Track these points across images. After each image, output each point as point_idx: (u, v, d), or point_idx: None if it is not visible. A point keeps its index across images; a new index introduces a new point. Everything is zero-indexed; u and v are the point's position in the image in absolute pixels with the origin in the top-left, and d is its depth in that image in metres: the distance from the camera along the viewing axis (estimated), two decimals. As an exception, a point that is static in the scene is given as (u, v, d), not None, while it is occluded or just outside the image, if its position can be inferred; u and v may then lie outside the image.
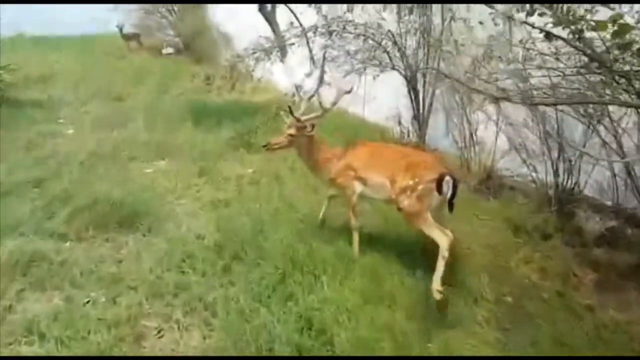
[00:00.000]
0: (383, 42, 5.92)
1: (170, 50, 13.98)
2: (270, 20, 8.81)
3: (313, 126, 3.66)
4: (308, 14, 6.58)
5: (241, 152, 6.29)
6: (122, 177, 5.26)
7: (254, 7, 8.39)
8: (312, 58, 6.87)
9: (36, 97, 8.31)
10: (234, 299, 3.18)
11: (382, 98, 6.56)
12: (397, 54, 6.01)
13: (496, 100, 3.96)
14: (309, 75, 6.53)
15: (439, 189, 3.13)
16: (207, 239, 3.97)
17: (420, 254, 3.55)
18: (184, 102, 8.73)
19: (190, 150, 6.22)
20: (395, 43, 5.96)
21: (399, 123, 6.49)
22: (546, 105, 3.80)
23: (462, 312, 3.09)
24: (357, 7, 5.81)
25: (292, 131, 3.66)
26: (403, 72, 6.05)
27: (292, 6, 7.47)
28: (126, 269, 3.62)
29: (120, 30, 13.58)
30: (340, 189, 3.76)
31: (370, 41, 5.95)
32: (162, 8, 14.04)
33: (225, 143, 6.54)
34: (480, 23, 3.99)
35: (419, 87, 6.13)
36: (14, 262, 3.51)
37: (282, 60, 6.28)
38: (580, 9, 2.70)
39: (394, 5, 5.87)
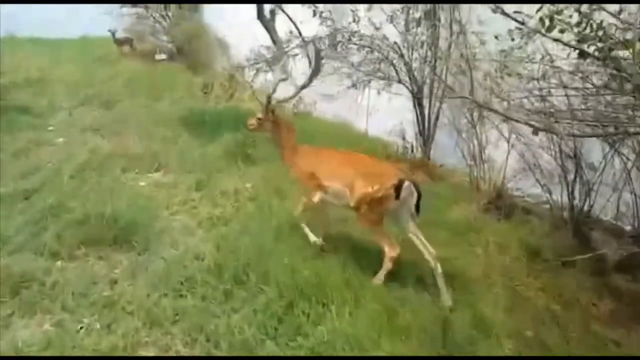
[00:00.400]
0: (389, 55, 5.86)
1: (163, 56, 13.82)
2: (270, 29, 8.70)
3: (273, 112, 4.16)
4: (306, 24, 6.51)
5: (239, 165, 6.16)
6: (115, 190, 5.07)
7: (252, 14, 8.28)
8: (312, 69, 6.77)
9: (25, 102, 8.11)
10: (237, 328, 3.03)
11: (385, 112, 6.48)
12: (403, 67, 5.95)
13: (508, 119, 3.87)
14: (308, 86, 6.45)
15: (397, 194, 3.39)
16: (206, 260, 3.81)
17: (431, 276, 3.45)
18: (179, 111, 8.58)
19: (186, 162, 6.07)
20: (401, 56, 5.90)
21: (403, 138, 6.41)
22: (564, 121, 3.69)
23: (481, 349, 2.96)
24: (364, 19, 5.74)
25: (260, 115, 4.23)
26: (409, 86, 5.98)
27: (293, 15, 7.41)
28: (121, 291, 3.46)
29: (113, 34, 13.41)
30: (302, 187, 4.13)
31: (376, 53, 5.88)
32: (155, 13, 13.89)
33: (223, 154, 6.40)
34: (496, 38, 3.90)
35: (425, 101, 6.06)
36: (2, 282, 3.34)
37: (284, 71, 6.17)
38: (612, 28, 2.62)
39: (401, 17, 5.82)
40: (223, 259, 3.77)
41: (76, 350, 2.83)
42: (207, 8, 13.31)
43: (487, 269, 3.69)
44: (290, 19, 7.77)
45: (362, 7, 5.99)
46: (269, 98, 4.16)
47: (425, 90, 6.01)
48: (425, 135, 6.11)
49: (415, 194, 3.42)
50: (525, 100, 3.78)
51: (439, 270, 3.36)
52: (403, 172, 3.56)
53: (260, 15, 8.47)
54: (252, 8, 8.11)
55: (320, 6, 6.09)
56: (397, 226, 3.68)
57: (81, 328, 3.07)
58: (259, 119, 4.23)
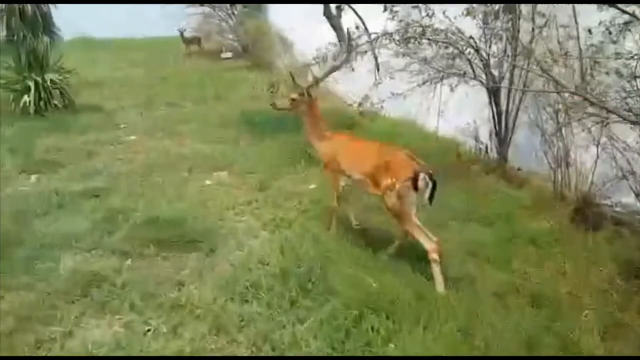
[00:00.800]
0: (465, 49, 5.56)
1: (229, 54, 14.15)
2: (336, 26, 8.60)
3: (309, 93, 4.14)
4: (371, 20, 6.32)
5: (301, 165, 6.10)
6: (182, 189, 5.21)
7: (318, 11, 8.19)
8: (377, 66, 6.61)
9: (96, 101, 8.52)
10: (303, 340, 2.94)
11: (458, 110, 6.18)
12: (479, 63, 5.63)
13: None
14: (377, 84, 6.27)
15: (415, 185, 3.42)
16: (271, 265, 3.76)
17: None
18: (244, 110, 8.70)
19: (249, 162, 6.10)
20: (477, 51, 5.58)
21: (476, 138, 6.08)
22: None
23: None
24: (438, 12, 5.47)
25: (294, 96, 4.18)
26: (485, 82, 5.65)
27: (361, 11, 7.25)
28: (188, 293, 3.47)
29: (181, 34, 13.88)
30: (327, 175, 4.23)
31: (451, 48, 5.60)
32: (221, 12, 14.24)
33: (285, 154, 6.38)
34: (590, 32, 3.56)
35: (502, 99, 5.71)
36: (75, 282, 3.46)
37: (352, 69, 6.04)
38: None
39: (478, 10, 5.49)
40: (288, 265, 3.70)
41: (143, 354, 2.85)
42: (272, 6, 13.43)
43: (578, 289, 3.37)
44: (357, 15, 7.62)
45: (434, -1, 5.74)
46: (316, 80, 4.28)
47: (503, 87, 5.65)
48: (502, 135, 5.76)
49: (430, 185, 3.43)
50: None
51: (435, 256, 3.40)
52: (418, 163, 3.56)
53: (326, 12, 8.41)
54: (318, 5, 8.09)
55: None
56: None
57: (148, 330, 3.10)
58: (293, 99, 4.19)
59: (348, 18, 7.73)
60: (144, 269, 3.79)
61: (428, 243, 3.45)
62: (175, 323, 3.17)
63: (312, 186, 5.47)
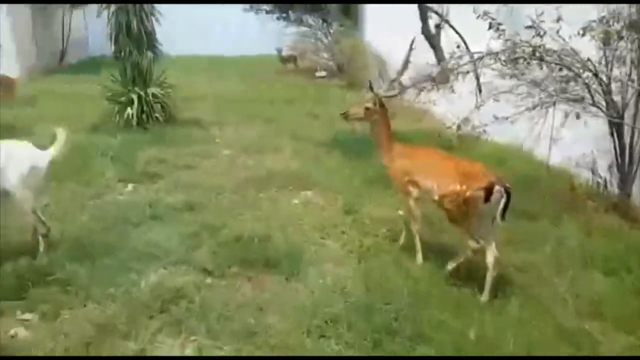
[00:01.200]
0: (581, 73, 4.98)
1: (323, 73, 14.25)
2: (435, 44, 8.25)
3: (382, 104, 4.09)
4: (472, 39, 5.92)
5: (393, 190, 5.79)
6: (269, 208, 5.12)
7: (416, 29, 7.90)
8: (479, 88, 6.16)
9: (196, 116, 8.85)
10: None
11: (573, 139, 5.54)
12: (598, 88, 5.02)
13: None
14: (479, 106, 5.82)
15: (487, 197, 3.38)
16: (354, 299, 3.50)
17: None
18: (334, 129, 8.60)
19: (337, 183, 5.90)
20: (596, 75, 4.98)
21: (593, 171, 5.41)
22: None
23: None
24: (550, 31, 4.97)
25: (369, 104, 4.11)
26: (605, 109, 5.02)
27: (462, 29, 6.87)
28: (265, 321, 3.31)
29: (279, 52, 14.25)
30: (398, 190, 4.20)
31: (565, 70, 5.05)
32: (317, 31, 14.45)
33: (375, 177, 6.10)
34: None
35: (626, 129, 5.03)
36: (156, 296, 3.43)
37: (452, 90, 5.68)
38: None
39: (597, 30, 4.91)
40: (373, 300, 3.42)
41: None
42: (369, 25, 13.37)
43: None
44: (458, 33, 7.24)
45: (547, 19, 5.24)
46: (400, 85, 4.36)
47: (627, 115, 4.98)
48: (625, 169, 5.06)
49: (504, 200, 3.37)
50: None
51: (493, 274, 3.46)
52: (497, 176, 3.51)
53: (425, 30, 8.12)
54: (415, 23, 7.82)
55: (497, 17, 5.48)
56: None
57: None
58: (367, 108, 4.12)
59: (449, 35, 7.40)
60: (224, 289, 3.71)
61: (474, 243, 3.50)
62: (247, 352, 3.01)
63: (402, 212, 5.15)
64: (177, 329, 3.21)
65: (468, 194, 3.47)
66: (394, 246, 4.36)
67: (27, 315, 3.24)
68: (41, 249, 3.82)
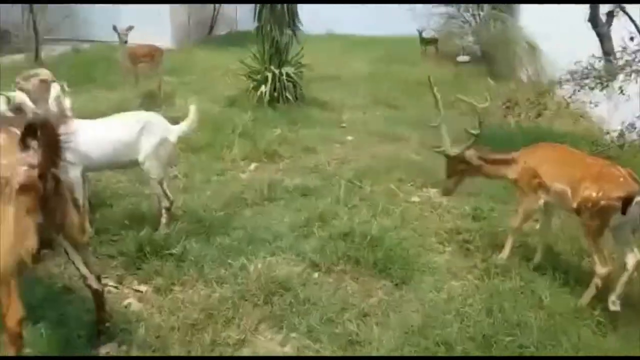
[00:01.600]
0: None
1: (465, 58, 13.37)
2: (603, 35, 7.17)
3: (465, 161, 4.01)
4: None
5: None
6: (386, 203, 4.85)
7: (580, 17, 6.87)
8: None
9: (325, 97, 8.81)
10: None
11: None
12: None
13: None
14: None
15: (624, 209, 3.01)
16: (471, 323, 3.13)
17: None
18: (471, 120, 7.98)
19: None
20: None
21: None
22: None
23: None
24: None
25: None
26: None
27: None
28: (369, 330, 3.11)
29: (420, 34, 13.67)
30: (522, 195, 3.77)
31: None
32: (466, 12, 13.56)
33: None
34: None
35: None
36: (261, 285, 3.40)
37: (620, 91, 4.86)
38: None
39: None
40: (494, 330, 3.03)
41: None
42: (525, 9, 12.17)
43: None
44: (634, 23, 6.17)
45: None
46: None
47: None
48: None
49: None
50: None
51: (599, 282, 3.23)
52: (638, 183, 3.12)
53: (593, 18, 7.05)
54: (581, 9, 6.80)
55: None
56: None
57: (318, 363, 2.84)
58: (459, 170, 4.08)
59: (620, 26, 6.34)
60: (330, 286, 3.58)
61: (601, 267, 3.20)
62: None
63: (539, 226, 4.55)
64: (278, 323, 3.16)
65: (603, 203, 3.11)
66: (527, 265, 3.85)
67: (142, 287, 3.41)
68: (163, 221, 4.00)
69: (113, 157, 3.82)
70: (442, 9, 13.95)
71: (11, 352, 2.38)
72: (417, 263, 3.88)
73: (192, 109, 4.08)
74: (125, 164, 3.99)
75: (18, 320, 2.32)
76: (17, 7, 10.38)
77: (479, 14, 13.36)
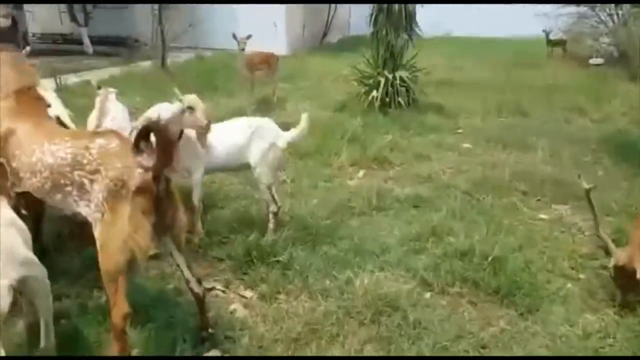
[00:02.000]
0: None
1: (599, 60, 12.15)
2: None
3: None
4: None
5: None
6: (508, 219, 4.38)
7: None
8: None
9: (440, 102, 8.38)
10: None
11: None
12: None
13: None
14: None
15: None
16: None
17: None
18: (606, 129, 7.14)
19: (609, 199, 4.70)
20: None
21: None
22: None
23: None
24: None
25: None
26: None
27: None
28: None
29: (547, 35, 12.68)
30: None
31: None
32: (602, 12, 12.29)
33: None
34: None
35: None
36: (368, 302, 3.17)
37: None
38: None
39: None
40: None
41: None
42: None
43: None
44: None
45: None
46: None
47: None
48: None
49: None
50: None
51: None
52: None
53: None
54: None
55: None
56: None
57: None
58: None
59: None
60: (443, 309, 3.25)
61: None
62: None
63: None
64: (386, 346, 2.90)
65: None
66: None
67: (248, 293, 3.35)
68: (270, 226, 3.95)
69: (226, 161, 3.87)
70: (571, 8, 12.88)
71: (115, 349, 2.43)
72: (546, 290, 3.42)
73: (304, 117, 4.01)
74: (236, 167, 4.04)
75: (123, 316, 2.37)
76: (148, 17, 11.24)
77: (617, 13, 12.05)
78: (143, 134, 2.34)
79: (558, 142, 6.50)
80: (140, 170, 2.36)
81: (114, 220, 2.36)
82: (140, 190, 2.36)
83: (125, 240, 2.32)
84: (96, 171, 2.43)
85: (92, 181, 2.43)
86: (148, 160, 2.34)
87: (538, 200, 4.92)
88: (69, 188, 2.52)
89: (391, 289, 3.33)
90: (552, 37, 12.90)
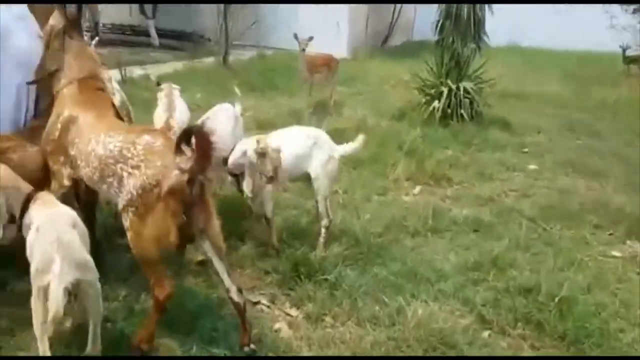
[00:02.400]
0: None
1: (681, 81, 11.20)
2: None
3: None
4: None
5: None
6: (577, 256, 4.01)
7: None
8: None
9: (506, 117, 7.94)
10: None
11: None
12: None
13: None
14: None
15: None
16: None
17: None
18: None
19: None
20: None
21: None
22: None
23: None
24: None
25: None
26: None
27: None
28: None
29: (624, 51, 11.87)
30: None
31: None
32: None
33: None
34: None
35: None
36: (420, 335, 2.95)
37: None
38: None
39: None
40: None
41: None
42: None
43: None
44: None
45: None
46: None
47: None
48: None
49: None
50: None
51: None
52: None
53: None
54: None
55: None
56: None
57: None
58: None
59: None
60: (503, 352, 2.99)
61: None
62: None
63: None
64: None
65: None
66: None
67: (293, 311, 3.21)
68: (321, 240, 3.80)
69: (288, 171, 3.73)
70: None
71: (153, 318, 2.62)
72: (619, 342, 3.07)
73: (360, 138, 3.93)
74: (294, 178, 3.92)
75: (166, 296, 2.54)
76: (214, 13, 11.33)
77: None
78: (185, 136, 2.40)
79: (634, 170, 5.99)
80: (176, 172, 2.41)
81: (143, 216, 2.46)
82: (172, 191, 2.42)
83: (156, 235, 2.46)
84: (137, 167, 2.50)
85: (130, 174, 2.50)
86: (186, 162, 2.39)
87: (610, 234, 4.52)
88: (110, 179, 2.61)
89: (446, 323, 3.09)
90: (629, 53, 12.05)
